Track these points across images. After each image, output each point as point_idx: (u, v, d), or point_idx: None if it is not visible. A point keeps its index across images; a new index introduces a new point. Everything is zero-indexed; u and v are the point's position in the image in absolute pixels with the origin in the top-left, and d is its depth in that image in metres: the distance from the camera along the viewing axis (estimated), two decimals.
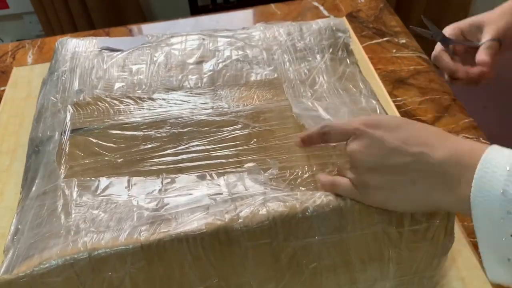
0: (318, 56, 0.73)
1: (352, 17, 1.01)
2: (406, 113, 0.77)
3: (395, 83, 0.84)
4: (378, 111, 0.66)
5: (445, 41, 0.71)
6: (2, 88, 0.81)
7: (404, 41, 0.94)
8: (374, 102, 0.67)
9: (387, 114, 0.68)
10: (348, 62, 0.73)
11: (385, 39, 0.94)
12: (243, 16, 1.05)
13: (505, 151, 0.37)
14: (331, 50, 0.73)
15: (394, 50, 0.91)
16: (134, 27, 1.00)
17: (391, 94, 0.80)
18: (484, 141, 0.73)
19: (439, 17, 1.89)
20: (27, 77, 0.82)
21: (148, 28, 1.02)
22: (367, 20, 1.00)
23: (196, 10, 1.67)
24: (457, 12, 1.88)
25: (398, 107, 0.78)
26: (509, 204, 0.34)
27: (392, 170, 0.43)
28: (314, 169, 0.56)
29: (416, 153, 0.42)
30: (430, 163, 0.41)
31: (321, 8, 1.05)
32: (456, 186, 0.39)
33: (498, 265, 0.37)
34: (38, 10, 1.66)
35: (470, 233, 0.62)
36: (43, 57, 0.90)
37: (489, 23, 0.60)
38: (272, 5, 1.05)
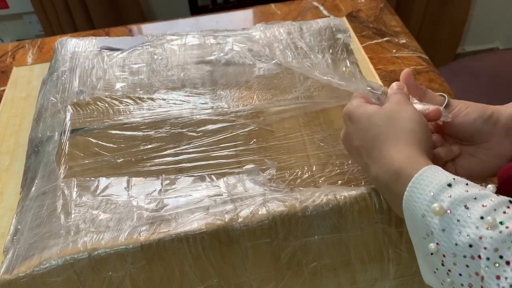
0: (318, 56, 0.73)
1: (352, 17, 1.01)
2: None
3: None
4: None
5: None
6: (2, 88, 0.81)
7: (404, 41, 0.94)
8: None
9: None
10: (348, 62, 0.73)
11: (385, 39, 0.94)
12: (243, 16, 1.05)
13: (438, 173, 0.38)
14: (331, 50, 0.73)
15: (394, 50, 0.91)
16: (134, 27, 1.00)
17: None
18: None
19: (439, 17, 1.89)
20: (27, 77, 0.82)
21: (148, 28, 1.02)
22: (367, 20, 1.00)
23: (196, 10, 1.67)
24: (457, 12, 1.87)
25: None
26: (427, 228, 0.37)
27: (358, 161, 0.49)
28: (314, 169, 0.56)
29: (363, 163, 0.47)
30: (372, 175, 0.45)
31: (321, 8, 1.04)
32: (395, 197, 0.41)
33: (431, 275, 0.39)
34: (38, 10, 1.65)
35: None
36: (43, 57, 0.90)
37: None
38: (272, 5, 1.05)
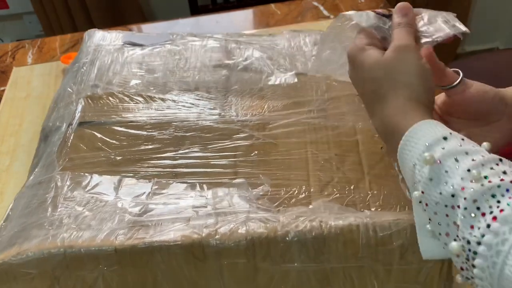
0: None
1: None
2: None
3: None
4: None
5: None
6: (2, 88, 0.83)
7: None
8: None
9: None
10: None
11: None
12: (243, 16, 1.03)
13: (436, 127, 0.39)
14: None
15: None
16: (134, 27, 1.01)
17: None
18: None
19: None
20: (27, 77, 0.83)
21: (148, 28, 1.02)
22: None
23: (196, 10, 1.66)
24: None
25: None
26: (415, 177, 0.38)
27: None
28: (312, 190, 0.53)
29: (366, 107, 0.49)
30: (373, 124, 0.47)
31: (321, 8, 1.02)
32: (393, 150, 0.43)
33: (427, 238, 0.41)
34: (38, 10, 1.69)
35: None
36: (43, 57, 0.92)
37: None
38: (272, 5, 1.03)
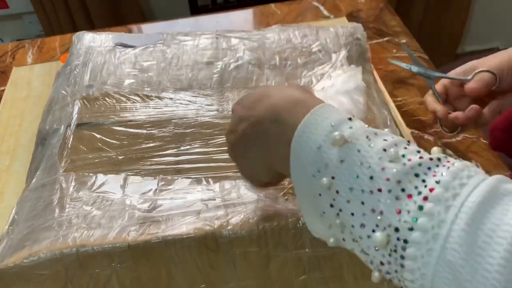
0: (333, 61, 0.71)
1: (352, 17, 1.00)
2: (406, 113, 0.76)
3: (395, 83, 0.82)
4: (388, 122, 0.64)
5: (426, 74, 0.60)
6: (2, 88, 0.82)
7: (404, 41, 0.92)
8: (385, 112, 0.65)
9: (396, 125, 0.66)
10: (363, 70, 0.71)
11: (385, 39, 0.93)
12: (243, 16, 1.04)
13: (338, 110, 0.36)
14: (347, 56, 0.71)
15: (394, 50, 0.90)
16: (134, 27, 1.01)
17: (391, 94, 0.79)
18: (484, 141, 0.71)
19: (439, 17, 1.86)
20: (27, 77, 0.82)
21: (148, 28, 1.02)
22: (367, 20, 0.99)
23: (196, 10, 1.67)
24: (457, 12, 1.85)
25: (398, 107, 0.77)
26: (321, 161, 0.33)
27: (236, 140, 0.43)
28: None
29: (244, 116, 0.41)
30: (252, 123, 0.40)
31: (321, 8, 1.03)
32: (278, 143, 0.38)
33: (317, 220, 0.36)
34: (38, 10, 1.67)
35: None
36: (43, 57, 0.91)
37: (482, 63, 0.56)
38: (272, 5, 1.04)
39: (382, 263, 0.32)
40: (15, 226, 0.51)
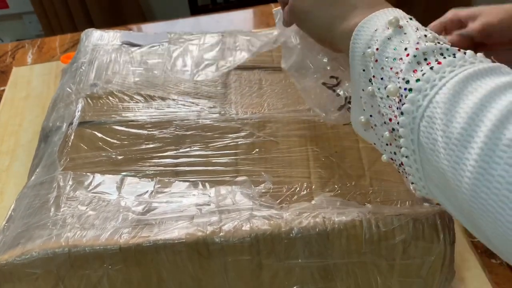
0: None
1: None
2: None
3: None
4: None
5: None
6: (2, 88, 0.83)
7: None
8: None
9: None
10: None
11: None
12: (243, 16, 1.04)
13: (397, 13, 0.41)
14: None
15: None
16: (134, 27, 1.01)
17: None
18: None
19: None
20: (26, 77, 0.83)
21: (148, 28, 1.02)
22: None
23: (196, 10, 1.67)
24: None
25: None
26: (372, 40, 0.39)
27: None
28: (313, 187, 0.54)
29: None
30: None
31: None
32: (347, 20, 0.43)
33: (357, 102, 0.42)
34: (38, 10, 1.68)
35: (471, 234, 0.59)
36: (43, 57, 0.91)
37: (488, 13, 0.57)
38: (272, 5, 1.03)
39: (390, 120, 0.37)
40: (11, 223, 0.51)
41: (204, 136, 0.59)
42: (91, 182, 0.53)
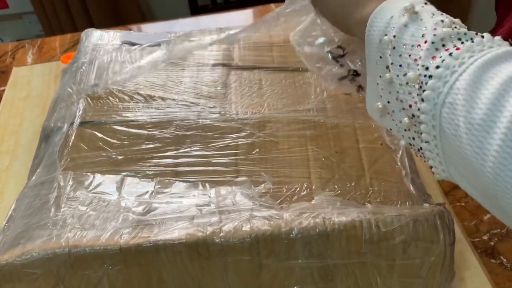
0: None
1: None
2: None
3: None
4: None
5: None
6: (2, 88, 0.82)
7: None
8: None
9: None
10: None
11: None
12: (243, 16, 1.04)
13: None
14: None
15: None
16: (134, 27, 1.01)
17: None
18: None
19: None
20: (27, 77, 0.83)
21: (148, 28, 1.02)
22: None
23: (196, 10, 1.67)
24: (457, 12, 1.81)
25: None
26: (389, 27, 0.39)
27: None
28: (313, 187, 0.54)
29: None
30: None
31: None
32: (362, 7, 0.43)
33: (373, 88, 0.42)
34: (38, 10, 1.68)
35: (470, 233, 0.60)
36: (43, 57, 0.91)
37: None
38: (272, 5, 1.03)
39: (410, 106, 0.37)
40: (11, 223, 0.51)
41: (204, 136, 0.59)
42: (91, 182, 0.53)
